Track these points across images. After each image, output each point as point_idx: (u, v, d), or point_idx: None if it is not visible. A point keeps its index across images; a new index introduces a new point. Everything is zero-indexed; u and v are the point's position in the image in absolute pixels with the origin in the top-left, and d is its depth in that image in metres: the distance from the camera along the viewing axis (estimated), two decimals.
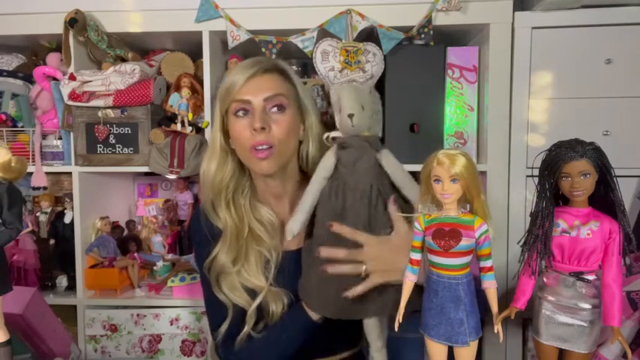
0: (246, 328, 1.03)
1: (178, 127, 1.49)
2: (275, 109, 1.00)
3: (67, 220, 1.61)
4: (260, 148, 0.98)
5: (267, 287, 1.03)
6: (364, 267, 0.89)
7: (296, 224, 0.95)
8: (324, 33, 1.42)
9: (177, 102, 1.48)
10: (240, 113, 1.00)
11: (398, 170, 0.93)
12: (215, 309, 1.08)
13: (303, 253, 1.00)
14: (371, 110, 0.93)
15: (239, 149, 1.03)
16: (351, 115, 0.89)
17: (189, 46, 1.57)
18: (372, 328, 0.96)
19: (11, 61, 1.69)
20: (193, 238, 1.15)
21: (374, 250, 0.90)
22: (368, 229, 0.90)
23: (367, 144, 0.91)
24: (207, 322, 1.14)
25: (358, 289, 0.89)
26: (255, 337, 1.03)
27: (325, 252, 0.91)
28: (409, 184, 0.92)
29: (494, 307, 0.80)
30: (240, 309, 1.05)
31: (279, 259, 1.06)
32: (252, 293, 1.04)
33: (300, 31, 1.42)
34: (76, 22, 1.42)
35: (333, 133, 0.96)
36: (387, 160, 0.92)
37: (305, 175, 1.13)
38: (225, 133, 1.07)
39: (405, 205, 0.93)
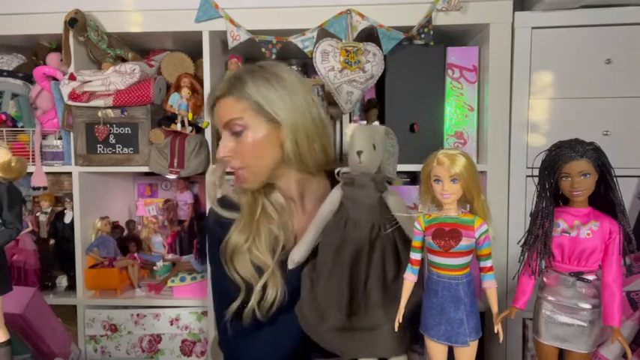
0: (252, 302, 1.03)
1: (178, 127, 1.49)
2: (234, 133, 1.01)
3: (67, 220, 1.61)
4: (235, 170, 1.03)
5: (274, 264, 1.04)
6: None
7: (298, 254, 0.99)
8: (324, 33, 1.42)
9: (177, 102, 1.48)
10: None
11: (400, 210, 0.92)
12: (224, 287, 1.08)
13: (303, 277, 1.00)
14: (384, 151, 0.94)
15: None
16: (359, 152, 0.89)
17: (189, 46, 1.57)
18: None
19: (11, 61, 1.69)
20: (209, 229, 1.16)
21: None
22: (364, 263, 0.91)
23: (373, 183, 0.91)
24: (213, 314, 1.16)
25: None
26: (254, 336, 1.04)
27: None
28: (411, 225, 0.92)
29: (494, 307, 0.80)
30: (246, 285, 1.06)
31: (288, 241, 1.07)
32: (260, 271, 1.05)
33: (300, 31, 1.42)
34: (76, 22, 1.43)
35: (344, 169, 0.96)
36: (392, 199, 0.93)
37: (328, 173, 1.12)
38: None
39: (405, 249, 0.92)
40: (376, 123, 0.98)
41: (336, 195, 0.95)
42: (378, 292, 0.89)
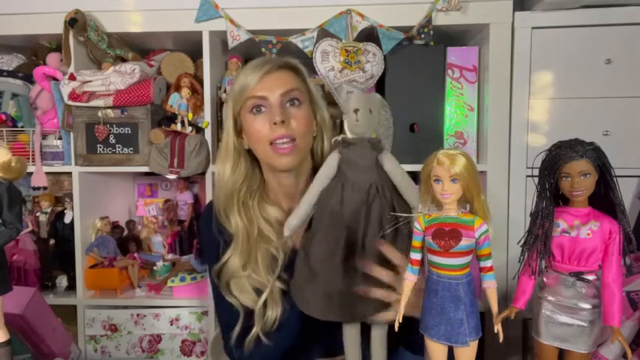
0: (255, 329, 1.02)
1: (178, 127, 1.49)
2: (291, 103, 1.02)
3: (67, 220, 1.61)
4: (281, 142, 0.99)
5: (273, 283, 1.03)
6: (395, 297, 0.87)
7: (294, 219, 0.96)
8: (324, 33, 1.42)
9: (177, 102, 1.48)
10: (256, 110, 1.02)
11: (397, 171, 0.93)
12: (226, 313, 1.08)
13: (299, 251, 0.98)
14: (378, 119, 0.95)
15: (257, 147, 1.03)
16: (356, 110, 0.90)
17: (189, 46, 1.57)
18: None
19: (11, 61, 1.69)
20: (203, 236, 1.15)
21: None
22: (362, 224, 0.90)
23: (369, 144, 0.92)
24: (218, 324, 1.15)
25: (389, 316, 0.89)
26: (263, 340, 1.02)
27: (369, 268, 0.88)
28: (408, 186, 0.93)
29: (494, 307, 0.80)
30: (247, 310, 1.05)
31: (287, 258, 1.05)
32: (259, 293, 1.04)
33: (300, 31, 1.42)
34: (76, 22, 1.43)
35: (341, 136, 0.96)
36: (388, 161, 0.93)
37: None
38: (237, 134, 1.07)
39: (405, 207, 0.92)
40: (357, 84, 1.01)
41: (333, 158, 0.94)
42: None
